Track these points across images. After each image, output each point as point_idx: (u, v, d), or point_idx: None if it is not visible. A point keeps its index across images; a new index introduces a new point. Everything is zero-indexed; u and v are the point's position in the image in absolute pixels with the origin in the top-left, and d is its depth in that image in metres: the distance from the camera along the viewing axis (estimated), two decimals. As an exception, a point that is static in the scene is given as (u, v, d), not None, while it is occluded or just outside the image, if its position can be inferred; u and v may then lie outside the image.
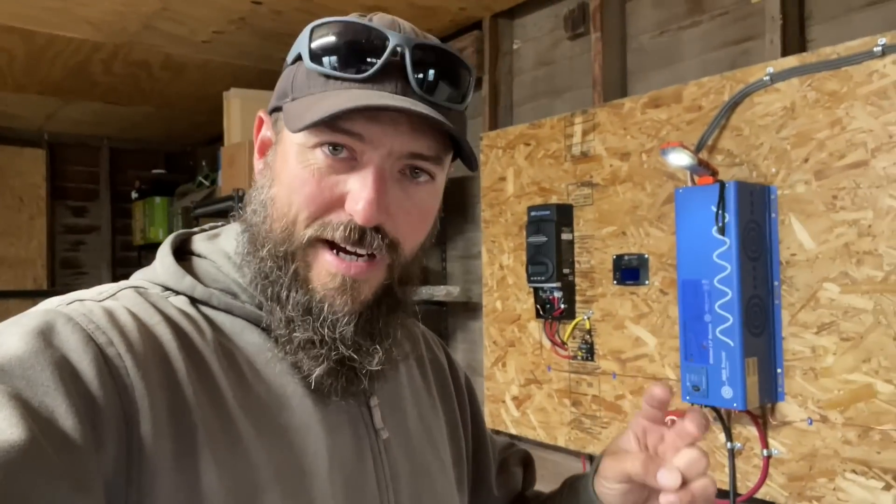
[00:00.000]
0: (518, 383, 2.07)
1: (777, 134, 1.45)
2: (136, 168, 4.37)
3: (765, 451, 1.44)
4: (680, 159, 1.40)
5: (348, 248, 0.54)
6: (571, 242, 1.89)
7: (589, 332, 1.85)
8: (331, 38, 0.55)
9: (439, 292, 2.28)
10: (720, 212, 1.40)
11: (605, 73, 1.89)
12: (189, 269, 0.59)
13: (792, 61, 1.42)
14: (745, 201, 1.41)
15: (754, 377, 1.39)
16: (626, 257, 1.75)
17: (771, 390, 1.43)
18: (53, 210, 4.14)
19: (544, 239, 1.88)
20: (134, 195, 4.18)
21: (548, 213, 1.88)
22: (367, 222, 0.53)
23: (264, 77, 2.72)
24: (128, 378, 0.48)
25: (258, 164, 0.62)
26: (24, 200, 3.97)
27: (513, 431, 2.10)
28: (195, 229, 0.66)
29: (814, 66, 1.38)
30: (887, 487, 1.27)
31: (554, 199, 1.95)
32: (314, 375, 0.54)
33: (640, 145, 1.72)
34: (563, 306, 1.87)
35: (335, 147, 0.53)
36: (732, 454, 1.50)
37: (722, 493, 1.52)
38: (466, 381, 0.81)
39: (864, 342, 1.31)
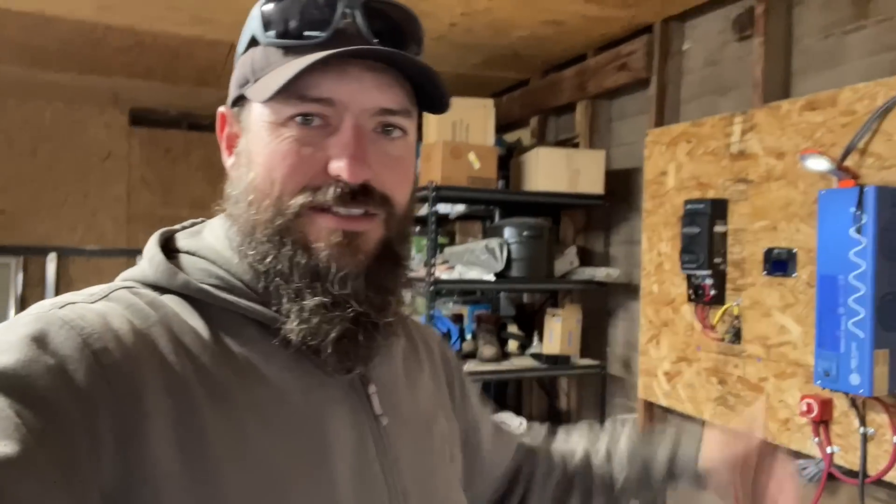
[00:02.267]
0: (670, 360, 2.28)
1: (928, 140, 1.51)
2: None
3: (895, 438, 1.54)
4: (818, 164, 1.53)
5: (342, 210, 0.54)
6: (724, 234, 2.05)
7: (737, 317, 2.00)
8: (281, 12, 0.55)
9: (600, 273, 2.54)
10: (858, 213, 1.51)
11: (766, 76, 2.00)
12: (178, 266, 0.57)
13: (946, 70, 1.47)
14: (886, 204, 1.50)
15: (884, 368, 1.50)
16: (776, 250, 1.88)
17: (905, 382, 1.52)
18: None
19: (698, 230, 2.06)
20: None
21: (702, 206, 2.06)
22: (354, 178, 0.53)
23: (458, 81, 3.13)
24: (125, 384, 0.47)
25: (228, 160, 0.60)
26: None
27: (663, 403, 2.32)
28: (177, 227, 0.64)
29: (968, 75, 1.43)
30: None
31: (710, 194, 2.11)
32: (331, 338, 0.54)
33: (795, 146, 1.83)
34: (713, 292, 2.05)
35: (306, 117, 0.54)
36: (865, 438, 1.61)
37: (853, 474, 1.64)
38: (456, 362, 0.81)
39: None
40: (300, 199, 0.54)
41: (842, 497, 1.77)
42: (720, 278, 2.05)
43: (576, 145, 2.88)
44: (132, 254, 4.01)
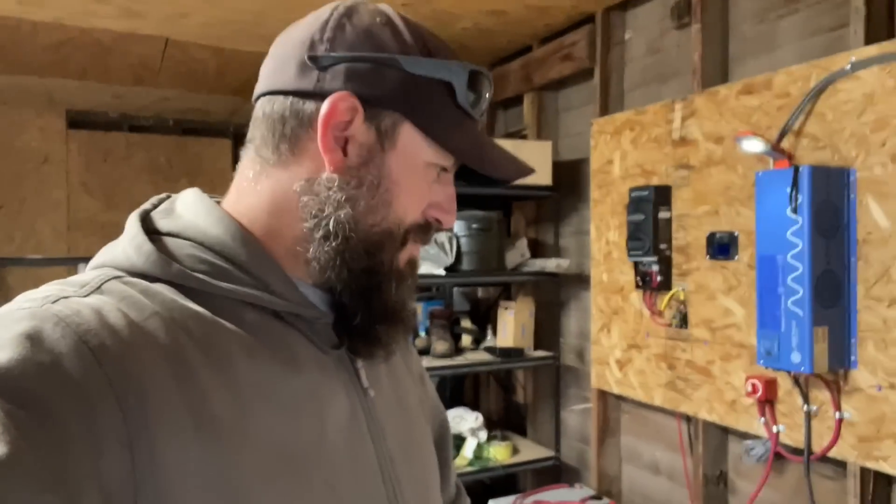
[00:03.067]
0: (621, 348, 2.28)
1: (858, 119, 1.53)
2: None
3: (837, 414, 1.56)
4: (753, 146, 1.54)
5: (423, 245, 0.64)
6: (669, 220, 2.06)
7: (683, 302, 2.02)
8: (480, 88, 0.61)
9: (550, 265, 2.53)
10: (794, 193, 1.53)
11: (704, 62, 2.01)
12: (166, 252, 0.55)
13: (872, 50, 1.50)
14: (820, 183, 1.52)
15: (823, 345, 1.52)
16: (718, 234, 1.90)
17: (843, 358, 1.54)
18: (236, 191, 4.88)
19: (643, 217, 2.06)
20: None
21: (646, 193, 2.07)
22: (450, 226, 0.64)
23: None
24: (127, 381, 0.47)
25: (334, 151, 0.58)
26: (216, 182, 4.72)
27: (615, 391, 2.32)
28: (147, 205, 0.62)
29: (893, 55, 1.46)
30: (949, 451, 1.36)
31: (655, 181, 2.12)
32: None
33: (733, 130, 1.85)
34: (659, 279, 2.06)
35: (444, 169, 0.62)
36: (808, 416, 1.63)
37: (797, 451, 1.66)
38: (417, 356, 0.84)
39: (933, 316, 1.39)
40: (405, 232, 0.60)
41: (789, 475, 1.79)
42: (666, 264, 2.06)
43: (525, 137, 2.87)
44: (74, 262, 3.85)
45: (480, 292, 3.24)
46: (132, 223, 0.58)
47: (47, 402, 0.43)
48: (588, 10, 2.44)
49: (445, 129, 0.59)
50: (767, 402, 1.72)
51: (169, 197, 0.63)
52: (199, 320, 0.53)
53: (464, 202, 2.84)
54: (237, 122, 4.61)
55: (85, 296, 0.50)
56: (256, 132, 0.60)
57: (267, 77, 0.61)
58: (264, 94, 0.60)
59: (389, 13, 0.60)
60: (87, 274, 0.55)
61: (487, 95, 0.62)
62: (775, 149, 1.56)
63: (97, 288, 0.52)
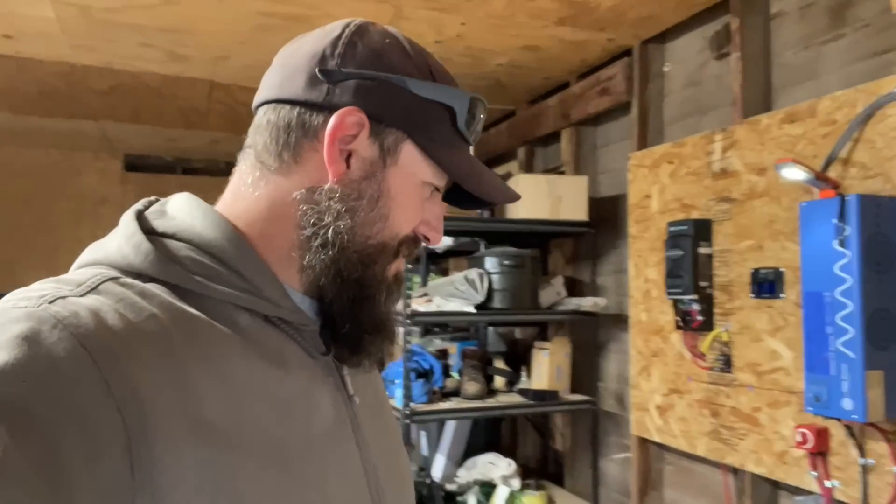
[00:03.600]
0: (661, 392, 2.15)
1: (911, 145, 1.42)
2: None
3: (898, 470, 1.40)
4: (794, 174, 1.44)
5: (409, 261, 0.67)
6: (709, 256, 1.95)
7: (727, 343, 1.88)
8: (475, 113, 0.65)
9: (586, 303, 2.43)
10: (841, 224, 1.41)
11: (745, 91, 1.93)
12: (164, 252, 0.56)
13: (924, 71, 1.40)
14: (870, 214, 1.41)
15: (878, 390, 1.37)
16: (762, 271, 1.78)
17: (904, 406, 1.39)
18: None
19: (681, 253, 1.96)
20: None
21: (685, 228, 1.96)
22: (438, 244, 0.67)
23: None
24: (125, 383, 0.46)
25: (338, 163, 0.59)
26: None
27: (656, 439, 2.17)
28: (139, 206, 0.62)
29: (947, 74, 1.35)
30: None
31: (695, 215, 2.02)
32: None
33: (776, 161, 1.75)
34: (700, 318, 1.93)
35: (436, 188, 0.65)
36: (865, 470, 1.47)
37: (855, 511, 1.49)
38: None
39: None
40: (397, 247, 0.63)
41: (848, 538, 1.61)
42: (707, 303, 1.94)
43: (563, 173, 2.81)
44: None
45: (518, 333, 3.14)
46: (129, 221, 0.57)
47: (44, 406, 0.43)
48: (625, 44, 2.39)
49: (444, 151, 0.62)
50: (819, 453, 1.56)
51: (158, 200, 0.64)
52: (194, 323, 0.53)
53: (499, 240, 2.79)
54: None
55: (81, 295, 0.50)
56: (258, 139, 0.61)
57: (272, 87, 0.62)
58: (268, 102, 0.61)
59: (398, 36, 0.63)
60: (83, 273, 0.54)
61: (482, 123, 0.66)
62: (819, 177, 1.46)
63: (94, 288, 0.51)
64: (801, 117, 1.69)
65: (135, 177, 4.28)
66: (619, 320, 2.52)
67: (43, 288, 0.50)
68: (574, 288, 2.72)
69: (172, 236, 0.57)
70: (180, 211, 0.60)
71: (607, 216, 2.60)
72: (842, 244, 1.42)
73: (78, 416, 0.44)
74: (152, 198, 0.64)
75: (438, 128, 0.62)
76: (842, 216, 1.42)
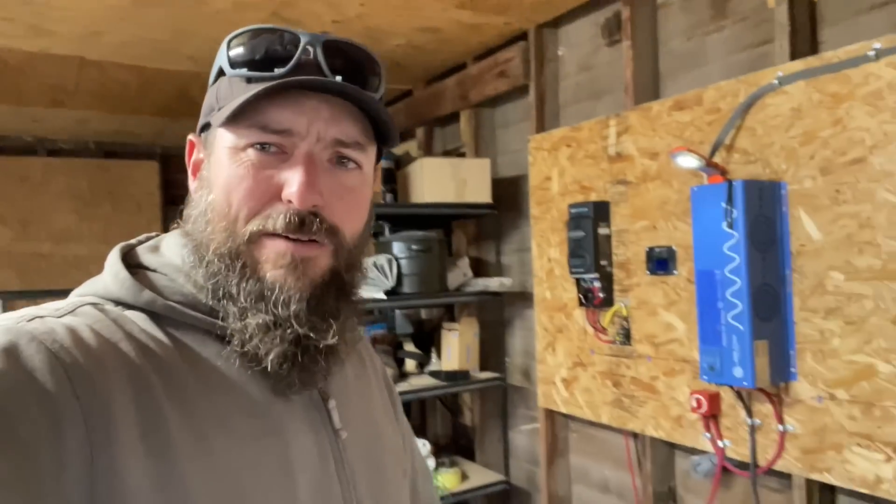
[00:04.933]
0: (566, 366, 2.26)
1: (786, 133, 1.55)
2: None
3: (780, 427, 1.57)
4: (687, 161, 1.54)
5: (290, 235, 0.57)
6: (608, 236, 2.05)
7: (626, 318, 2.01)
8: (247, 45, 0.59)
9: (493, 284, 2.49)
10: (728, 208, 1.53)
11: (636, 78, 2.02)
12: (143, 282, 0.58)
13: (798, 65, 1.53)
14: (753, 197, 1.53)
15: (764, 358, 1.52)
16: (656, 249, 1.90)
17: (784, 370, 1.55)
18: (166, 214, 4.67)
19: (583, 234, 2.05)
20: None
21: (585, 209, 2.05)
22: (304, 204, 0.56)
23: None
24: (93, 399, 0.48)
25: (193, 183, 0.63)
26: (143, 207, 4.50)
27: (563, 410, 2.29)
28: (133, 241, 0.65)
29: (817, 69, 1.49)
30: (888, 459, 1.37)
31: (593, 197, 2.11)
32: (271, 357, 0.55)
33: (667, 145, 1.86)
34: (601, 295, 2.04)
35: (263, 145, 0.57)
36: (752, 430, 1.63)
37: (743, 465, 1.66)
38: (389, 380, 0.84)
39: (866, 325, 1.41)
40: (252, 226, 0.57)
41: (736, 489, 1.79)
42: (607, 280, 2.05)
43: (463, 155, 2.84)
44: (-13, 296, 3.60)
45: (423, 313, 3.17)
46: (112, 256, 0.61)
47: (19, 417, 0.44)
48: (521, 28, 2.43)
49: (222, 108, 0.59)
50: (712, 417, 1.71)
51: (158, 235, 0.67)
52: (165, 348, 0.54)
53: (402, 222, 2.79)
54: (164, 143, 4.42)
55: (59, 317, 0.52)
56: None
57: None
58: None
59: (230, 35, 0.62)
60: (65, 300, 0.57)
61: (251, 45, 0.59)
62: (709, 164, 1.57)
63: (71, 311, 0.54)
64: (688, 105, 1.80)
65: (-7, 160, 3.86)
66: (523, 298, 2.61)
67: (23, 311, 0.53)
68: (479, 268, 2.78)
69: (157, 270, 0.60)
70: (168, 248, 0.63)
71: (508, 197, 2.66)
72: (730, 226, 1.54)
73: (50, 427, 0.45)
74: (151, 234, 0.67)
75: (223, 93, 0.60)
76: (729, 200, 1.54)
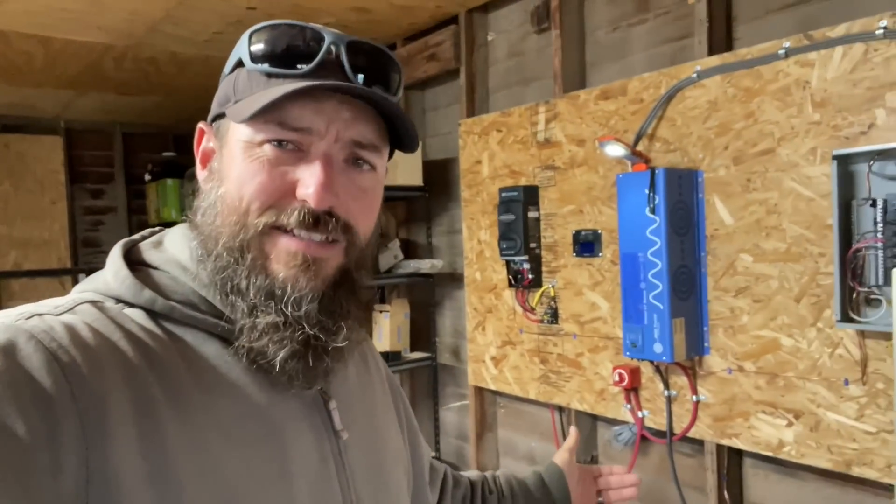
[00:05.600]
0: (496, 345, 2.33)
1: (703, 124, 1.66)
2: (148, 151, 4.61)
3: (694, 397, 1.69)
4: (615, 150, 1.62)
5: (303, 233, 0.56)
6: (538, 220, 2.13)
7: (553, 298, 2.09)
8: (270, 41, 0.58)
9: (424, 265, 2.53)
10: (651, 194, 1.63)
11: (564, 67, 2.09)
12: (144, 280, 0.57)
13: (715, 60, 1.63)
14: (674, 185, 1.63)
15: (681, 334, 1.63)
16: (583, 232, 1.99)
17: (698, 345, 1.67)
18: (73, 193, 4.41)
19: (513, 217, 2.11)
20: (147, 177, 4.42)
21: (515, 193, 2.11)
22: (320, 205, 0.55)
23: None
24: (90, 398, 0.47)
25: (201, 173, 0.63)
26: (45, 185, 4.22)
27: (492, 387, 2.37)
28: (136, 236, 0.65)
29: (732, 65, 1.59)
30: (789, 424, 1.52)
31: (523, 181, 2.18)
32: (280, 357, 0.55)
33: (593, 133, 1.94)
34: (530, 276, 2.12)
35: (281, 142, 0.56)
36: (669, 400, 1.75)
37: (660, 433, 1.78)
38: (394, 379, 0.84)
39: (771, 303, 1.54)
40: (264, 218, 0.56)
41: (654, 456, 1.92)
42: (536, 262, 2.12)
43: (392, 137, 2.83)
44: None
45: (352, 295, 3.17)
46: (114, 252, 0.61)
47: (16, 416, 0.44)
48: (451, 11, 2.44)
49: (244, 101, 0.58)
50: (633, 389, 1.83)
51: (162, 230, 0.66)
52: (164, 347, 0.54)
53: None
54: (69, 117, 4.16)
55: (58, 315, 0.52)
56: None
57: None
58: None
59: (249, 30, 0.62)
60: (65, 296, 0.56)
61: (274, 41, 0.59)
62: (634, 153, 1.65)
63: (70, 309, 0.53)
64: (613, 95, 1.88)
65: None
66: (453, 279, 2.66)
67: (22, 308, 0.52)
68: (409, 250, 2.80)
69: (159, 268, 0.60)
70: (173, 243, 0.62)
71: (438, 179, 2.69)
72: (652, 211, 1.63)
73: (47, 426, 0.45)
74: (155, 228, 0.67)
75: (241, 86, 0.60)
76: (652, 187, 1.63)
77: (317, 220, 0.56)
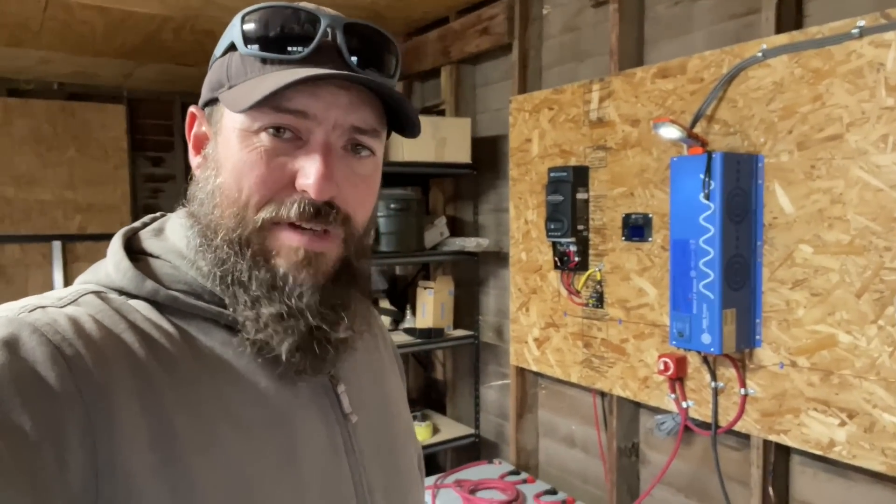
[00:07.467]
0: (539, 326, 2.31)
1: (767, 107, 1.58)
2: (205, 121, 4.70)
3: (742, 391, 1.64)
4: (670, 133, 1.56)
5: (304, 224, 0.55)
6: (586, 201, 2.08)
7: (600, 282, 2.05)
8: (264, 23, 0.56)
9: (470, 243, 2.51)
10: (707, 179, 1.56)
11: (621, 43, 2.02)
12: (145, 270, 0.57)
13: (782, 39, 1.54)
14: (731, 170, 1.56)
15: (731, 326, 1.58)
16: (633, 216, 1.93)
17: (749, 338, 1.61)
18: (134, 160, 4.55)
19: (561, 198, 2.07)
20: (204, 147, 4.52)
21: (565, 174, 2.07)
22: (320, 196, 0.54)
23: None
24: (96, 391, 0.47)
25: (195, 159, 0.61)
26: (109, 152, 4.36)
27: (533, 368, 2.35)
28: (137, 224, 0.64)
29: (801, 44, 1.50)
30: (842, 424, 1.45)
31: (573, 161, 2.13)
32: (285, 347, 0.55)
33: (648, 113, 1.87)
34: (577, 259, 2.08)
35: (278, 129, 0.55)
36: (716, 392, 1.70)
37: (704, 425, 1.74)
38: (398, 353, 0.84)
39: (830, 298, 1.47)
40: (264, 214, 0.55)
41: (697, 447, 1.88)
42: (584, 245, 2.08)
43: (442, 112, 2.81)
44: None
45: (398, 269, 3.19)
46: (114, 242, 0.60)
47: (21, 409, 0.43)
48: (506, -16, 2.38)
49: (238, 88, 0.57)
50: (678, 379, 1.78)
51: (164, 215, 0.65)
52: (169, 338, 0.53)
53: (383, 181, 2.75)
54: (131, 86, 4.28)
55: (62, 307, 0.51)
56: None
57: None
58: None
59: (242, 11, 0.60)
60: (68, 288, 0.56)
61: (267, 23, 0.56)
62: (690, 136, 1.59)
63: (74, 301, 0.53)
64: (672, 73, 1.80)
65: (-54, 99, 3.68)
66: (498, 258, 2.64)
67: (25, 301, 0.52)
68: (455, 227, 2.79)
69: (160, 257, 0.59)
70: (173, 231, 0.61)
71: (487, 156, 2.65)
72: (707, 197, 1.57)
73: (52, 421, 0.44)
74: (157, 214, 0.65)
75: (234, 70, 0.57)
76: (708, 172, 1.56)
77: (318, 211, 0.55)
